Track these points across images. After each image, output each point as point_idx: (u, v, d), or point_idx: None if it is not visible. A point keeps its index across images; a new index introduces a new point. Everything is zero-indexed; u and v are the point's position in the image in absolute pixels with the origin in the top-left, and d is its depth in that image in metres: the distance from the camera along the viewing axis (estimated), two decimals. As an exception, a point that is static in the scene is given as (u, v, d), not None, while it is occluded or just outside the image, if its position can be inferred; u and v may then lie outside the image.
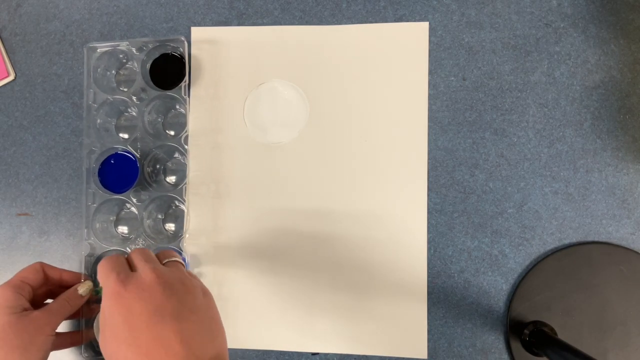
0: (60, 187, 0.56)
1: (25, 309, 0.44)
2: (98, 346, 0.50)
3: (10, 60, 0.57)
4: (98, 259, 0.51)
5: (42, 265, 0.48)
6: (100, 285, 0.35)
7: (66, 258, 0.55)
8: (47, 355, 0.44)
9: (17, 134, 0.57)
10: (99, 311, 0.50)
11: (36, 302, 0.47)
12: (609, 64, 0.51)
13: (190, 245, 0.52)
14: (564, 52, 0.51)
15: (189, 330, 0.33)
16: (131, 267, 0.37)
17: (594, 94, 0.51)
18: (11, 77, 0.57)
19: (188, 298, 0.34)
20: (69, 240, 0.55)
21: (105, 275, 0.35)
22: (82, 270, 0.50)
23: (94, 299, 0.50)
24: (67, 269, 0.54)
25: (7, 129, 0.57)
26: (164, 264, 0.38)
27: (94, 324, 0.50)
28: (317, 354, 0.51)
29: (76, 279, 0.50)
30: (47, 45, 0.57)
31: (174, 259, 0.39)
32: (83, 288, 0.48)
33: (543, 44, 0.51)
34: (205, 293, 0.37)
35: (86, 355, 0.51)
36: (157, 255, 0.39)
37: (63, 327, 0.53)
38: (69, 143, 0.56)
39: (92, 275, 0.51)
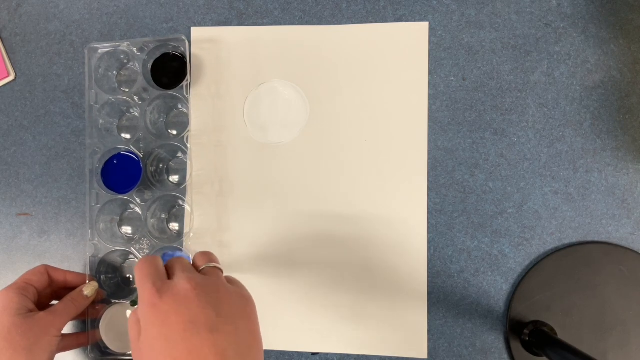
0: (60, 187, 0.56)
1: (31, 311, 0.44)
2: (104, 347, 0.50)
3: (10, 60, 0.57)
4: (102, 261, 0.51)
5: (47, 268, 0.48)
6: (137, 289, 0.35)
7: (66, 258, 0.55)
8: (52, 357, 0.44)
9: (17, 134, 0.57)
10: (105, 312, 0.50)
11: (42, 304, 0.47)
12: (609, 64, 0.51)
13: (195, 244, 0.52)
14: (564, 52, 0.51)
15: (224, 341, 0.32)
16: (168, 273, 0.36)
17: (594, 94, 0.51)
18: (11, 77, 0.57)
19: (224, 308, 0.33)
20: (69, 240, 0.55)
21: (141, 282, 0.34)
22: (86, 271, 0.51)
23: (99, 300, 0.51)
24: (68, 269, 0.54)
25: (7, 129, 0.57)
26: (201, 270, 0.37)
27: (100, 325, 0.50)
28: (317, 354, 0.51)
29: (81, 279, 0.50)
30: (47, 45, 0.57)
31: (212, 264, 0.38)
32: (88, 289, 0.48)
33: (543, 44, 0.51)
34: (246, 300, 0.36)
35: (92, 355, 0.51)
36: (194, 259, 0.38)
37: (69, 328, 0.53)
38: (69, 143, 0.56)
39: (96, 276, 0.51)
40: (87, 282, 0.49)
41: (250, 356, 0.33)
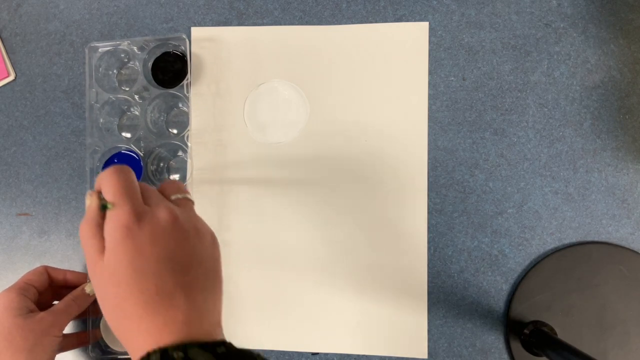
0: (60, 187, 0.56)
1: (31, 311, 0.44)
2: (105, 346, 0.50)
3: (10, 60, 0.57)
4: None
5: (46, 268, 0.48)
6: (109, 204, 0.31)
7: (66, 258, 0.55)
8: (53, 357, 0.44)
9: (17, 134, 0.57)
10: None
11: (43, 305, 0.47)
12: (608, 64, 0.51)
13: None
14: (564, 52, 0.51)
15: (193, 283, 0.31)
16: (142, 194, 0.33)
17: (594, 94, 0.51)
18: (11, 77, 0.57)
19: (198, 246, 0.32)
20: (69, 240, 0.55)
21: (117, 198, 0.31)
22: (87, 271, 0.51)
23: None
24: (68, 268, 0.54)
25: (7, 129, 0.57)
26: (173, 201, 0.34)
27: (101, 324, 0.50)
28: (317, 353, 0.51)
29: (81, 278, 0.50)
30: (47, 45, 0.57)
31: (185, 195, 0.35)
32: (90, 287, 0.48)
33: (543, 44, 0.51)
34: (214, 239, 0.34)
35: (93, 354, 0.50)
36: (163, 187, 0.35)
37: (70, 327, 0.53)
38: (69, 143, 0.56)
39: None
40: (88, 280, 0.49)
41: (215, 301, 0.33)
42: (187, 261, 0.31)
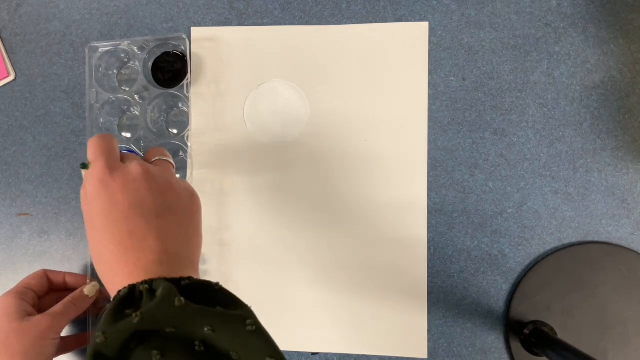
0: (60, 187, 0.56)
1: (29, 314, 0.44)
2: None
3: (10, 60, 0.57)
4: None
5: (46, 272, 0.48)
6: (89, 163, 0.35)
7: (66, 258, 0.55)
8: (51, 359, 0.44)
9: (17, 134, 0.57)
10: (104, 310, 0.50)
11: (46, 309, 0.46)
12: (608, 64, 0.51)
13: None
14: (564, 52, 0.51)
15: (166, 227, 0.33)
16: (122, 157, 0.36)
17: (594, 94, 0.51)
18: (11, 77, 0.57)
19: (171, 197, 0.35)
20: (69, 240, 0.55)
21: (94, 157, 0.35)
22: (87, 271, 0.50)
23: (102, 299, 0.50)
24: (68, 269, 0.54)
25: (7, 129, 0.57)
26: (152, 162, 0.37)
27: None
28: (317, 353, 0.51)
29: (80, 281, 0.50)
30: (47, 45, 0.57)
31: (164, 157, 0.38)
32: (89, 288, 0.48)
33: (543, 44, 0.51)
34: (192, 194, 0.37)
35: None
36: (147, 153, 0.39)
37: (70, 327, 0.52)
38: (69, 143, 0.56)
39: (97, 275, 0.51)
40: (88, 282, 0.49)
41: (189, 248, 0.35)
42: (158, 208, 0.33)
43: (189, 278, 0.31)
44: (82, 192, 0.35)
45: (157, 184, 0.34)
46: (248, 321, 0.29)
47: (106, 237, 0.32)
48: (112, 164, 0.34)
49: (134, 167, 0.34)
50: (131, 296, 0.30)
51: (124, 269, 0.32)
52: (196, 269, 0.35)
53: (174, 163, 0.39)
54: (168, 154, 0.39)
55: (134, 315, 0.28)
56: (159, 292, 0.29)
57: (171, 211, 0.34)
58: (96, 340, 0.27)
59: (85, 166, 0.35)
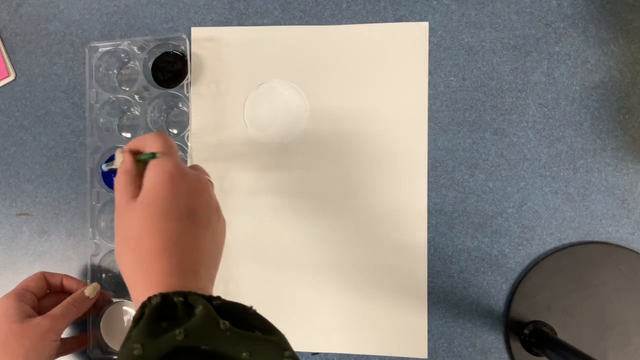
0: (60, 187, 0.56)
1: (29, 316, 0.44)
2: (106, 345, 0.50)
3: (10, 60, 0.57)
4: (102, 259, 0.51)
5: (44, 274, 0.48)
6: (158, 153, 0.35)
7: (66, 258, 0.55)
8: None
9: (17, 134, 0.57)
10: (105, 310, 0.50)
11: (43, 311, 0.46)
12: (608, 64, 0.51)
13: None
14: (564, 52, 0.51)
15: (206, 241, 0.34)
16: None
17: (594, 94, 0.51)
18: (11, 77, 0.57)
19: (213, 214, 0.36)
20: (69, 240, 0.55)
21: (166, 149, 0.35)
22: (88, 272, 0.51)
23: (106, 301, 0.50)
24: (68, 268, 0.54)
25: (7, 129, 0.57)
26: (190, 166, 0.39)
27: (101, 323, 0.50)
28: (317, 353, 0.51)
29: (77, 283, 0.50)
30: (47, 45, 0.57)
31: (208, 176, 0.40)
32: (90, 290, 0.48)
33: (543, 44, 0.51)
34: (221, 217, 0.38)
35: (93, 354, 0.50)
36: (194, 167, 0.40)
37: (70, 328, 0.52)
38: (69, 143, 0.56)
39: (97, 274, 0.51)
40: (87, 283, 0.50)
41: (215, 266, 0.36)
42: (205, 221, 0.34)
43: (219, 298, 0.31)
44: (122, 178, 0.35)
45: (210, 198, 0.36)
46: (286, 353, 0.29)
47: (156, 229, 0.32)
48: (183, 166, 0.35)
49: (201, 179, 0.35)
50: (164, 306, 0.29)
51: (160, 271, 0.31)
52: (214, 282, 0.36)
53: (214, 182, 0.40)
54: (207, 173, 0.41)
55: (177, 331, 0.27)
56: (198, 310, 0.28)
57: (211, 227, 0.35)
58: (133, 352, 0.27)
59: (154, 155, 0.35)
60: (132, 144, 0.37)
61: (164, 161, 0.34)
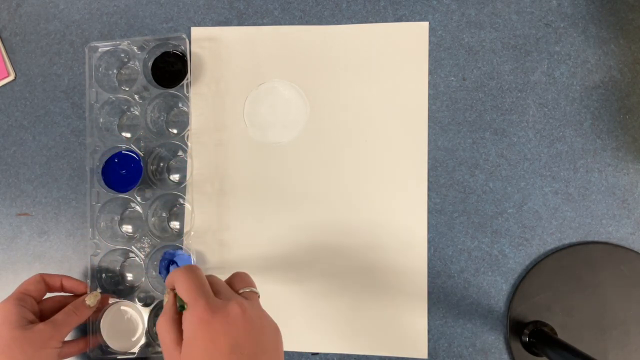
0: (60, 187, 0.56)
1: (30, 321, 0.44)
2: (106, 345, 0.50)
3: (10, 60, 0.57)
4: (102, 259, 0.51)
5: (42, 276, 0.48)
6: (185, 302, 0.34)
7: (66, 258, 0.55)
8: None
9: (17, 134, 0.57)
10: (105, 311, 0.50)
11: (44, 313, 0.46)
12: (609, 64, 0.51)
13: (195, 243, 0.52)
14: (564, 52, 0.51)
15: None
16: (212, 288, 0.36)
17: (594, 94, 0.51)
18: (11, 77, 0.57)
19: (263, 338, 0.35)
20: (69, 240, 0.55)
21: (193, 295, 0.34)
22: (88, 274, 0.51)
23: (106, 302, 0.50)
24: (67, 269, 0.54)
25: (7, 129, 0.57)
26: (240, 293, 0.37)
27: (101, 324, 0.50)
28: (317, 354, 0.51)
29: (75, 285, 0.50)
30: (47, 45, 0.57)
31: (251, 288, 0.38)
32: (91, 299, 0.48)
33: (543, 44, 0.51)
34: (277, 331, 0.37)
35: (93, 354, 0.50)
36: (231, 280, 0.39)
37: (71, 333, 0.52)
38: (69, 143, 0.56)
39: (97, 275, 0.51)
40: (89, 289, 0.49)
41: None
42: (253, 351, 0.33)
43: None
44: (162, 323, 0.35)
45: (253, 325, 0.34)
46: None
47: None
48: (214, 304, 0.34)
49: (233, 308, 0.34)
50: None
51: None
52: None
53: (259, 292, 0.39)
54: (253, 282, 0.39)
55: None
56: None
57: (263, 352, 0.34)
58: None
59: (182, 308, 0.35)
60: (169, 281, 0.37)
61: (191, 311, 0.34)
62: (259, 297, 0.38)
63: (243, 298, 0.36)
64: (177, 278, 0.36)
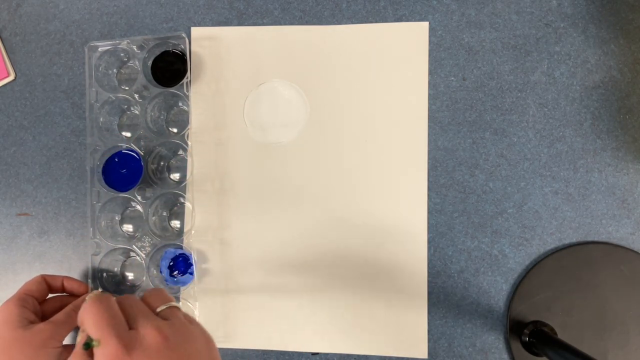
0: (60, 187, 0.56)
1: (31, 322, 0.44)
2: None
3: (10, 60, 0.57)
4: (103, 259, 0.51)
5: (44, 277, 0.48)
6: (95, 341, 0.29)
7: (66, 258, 0.55)
8: None
9: (17, 134, 0.57)
10: None
11: (45, 314, 0.46)
12: (609, 64, 0.51)
13: (196, 241, 0.52)
14: (564, 52, 0.51)
15: None
16: (126, 318, 0.31)
17: (594, 94, 0.51)
18: (11, 77, 0.57)
19: (191, 351, 0.31)
20: (69, 240, 0.55)
21: (103, 333, 0.29)
22: (89, 274, 0.51)
23: None
24: (67, 269, 0.54)
25: (7, 129, 0.57)
26: (159, 312, 0.33)
27: None
28: (317, 353, 0.51)
29: (76, 286, 0.49)
30: (47, 45, 0.57)
31: (170, 304, 0.34)
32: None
33: (543, 44, 0.51)
34: (209, 341, 0.33)
35: None
36: (146, 299, 0.34)
37: (71, 334, 0.52)
38: (69, 143, 0.56)
39: (97, 274, 0.51)
40: (90, 289, 0.49)
41: None
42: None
43: None
44: None
45: (178, 349, 0.30)
46: None
47: None
48: (127, 339, 0.29)
49: (151, 338, 0.30)
50: None
51: None
52: None
53: (178, 304, 0.35)
54: (170, 296, 0.35)
55: None
56: None
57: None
58: None
59: (88, 346, 0.29)
60: (79, 318, 0.32)
61: (105, 350, 0.29)
62: (179, 310, 0.34)
63: (161, 320, 0.32)
64: (82, 312, 0.31)
